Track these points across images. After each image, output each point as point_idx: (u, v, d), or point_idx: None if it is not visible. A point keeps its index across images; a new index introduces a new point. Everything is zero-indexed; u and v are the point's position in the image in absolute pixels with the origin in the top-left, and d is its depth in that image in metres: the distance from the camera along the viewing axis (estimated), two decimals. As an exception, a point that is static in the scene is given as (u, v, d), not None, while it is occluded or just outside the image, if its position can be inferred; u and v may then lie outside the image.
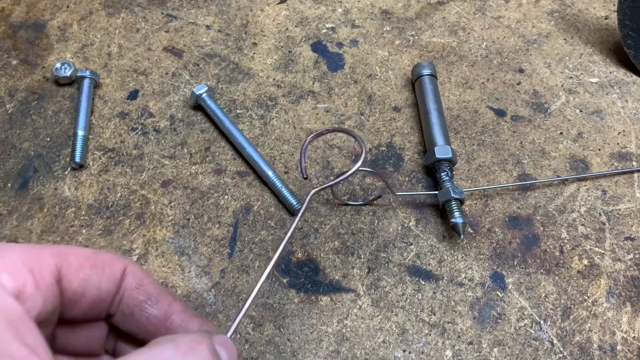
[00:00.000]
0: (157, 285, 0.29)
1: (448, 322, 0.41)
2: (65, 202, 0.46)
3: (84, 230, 0.45)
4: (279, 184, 0.46)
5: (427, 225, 0.45)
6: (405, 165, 0.48)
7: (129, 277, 0.28)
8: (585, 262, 0.43)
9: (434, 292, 0.42)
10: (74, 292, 0.26)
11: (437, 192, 0.45)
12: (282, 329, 0.41)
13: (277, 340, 0.40)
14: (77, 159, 0.48)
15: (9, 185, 0.47)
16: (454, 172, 0.47)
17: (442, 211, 0.46)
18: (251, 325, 0.41)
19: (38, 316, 0.23)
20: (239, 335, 0.40)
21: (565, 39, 0.57)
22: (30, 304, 0.23)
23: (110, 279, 0.27)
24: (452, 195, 0.43)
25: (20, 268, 0.23)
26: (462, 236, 0.43)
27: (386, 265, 0.43)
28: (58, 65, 0.52)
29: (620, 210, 0.46)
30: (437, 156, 0.46)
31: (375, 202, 0.46)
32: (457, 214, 0.43)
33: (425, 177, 0.48)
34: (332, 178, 0.47)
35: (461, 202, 0.44)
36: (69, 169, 0.48)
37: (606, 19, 0.58)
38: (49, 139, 0.50)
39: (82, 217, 0.45)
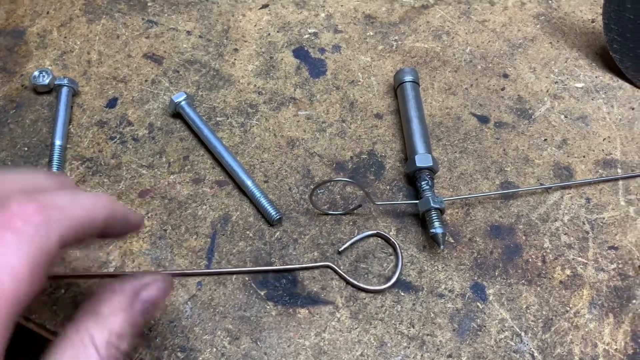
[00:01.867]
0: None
1: (427, 335, 0.40)
2: (41, 213, 0.46)
3: (59, 242, 0.44)
4: (257, 194, 0.45)
5: (408, 234, 0.45)
6: (386, 174, 0.48)
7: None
8: (567, 272, 0.43)
9: (414, 304, 0.42)
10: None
11: (417, 201, 0.44)
12: (258, 343, 0.40)
13: (254, 354, 0.39)
14: (55, 169, 0.47)
15: (-15, 196, 0.46)
16: (435, 181, 0.47)
17: (422, 220, 0.45)
18: (227, 338, 0.40)
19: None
20: (215, 349, 0.40)
21: (551, 42, 0.56)
22: None
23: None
24: (432, 205, 0.43)
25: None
26: (442, 246, 0.42)
27: (365, 276, 0.43)
28: (36, 73, 0.52)
29: (604, 218, 0.45)
30: (417, 165, 0.45)
31: (355, 211, 0.46)
32: (437, 223, 0.42)
33: (407, 186, 0.47)
34: (311, 187, 0.47)
35: (441, 211, 0.43)
36: (45, 179, 0.47)
37: (593, 22, 0.58)
38: (26, 149, 0.49)
39: (58, 229, 0.45)
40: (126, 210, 0.33)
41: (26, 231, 0.24)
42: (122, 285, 0.31)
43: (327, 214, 0.46)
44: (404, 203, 0.46)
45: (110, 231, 0.31)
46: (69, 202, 0.28)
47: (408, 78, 0.50)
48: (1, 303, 0.23)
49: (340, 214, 0.45)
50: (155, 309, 0.32)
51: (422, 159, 0.45)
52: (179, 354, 0.40)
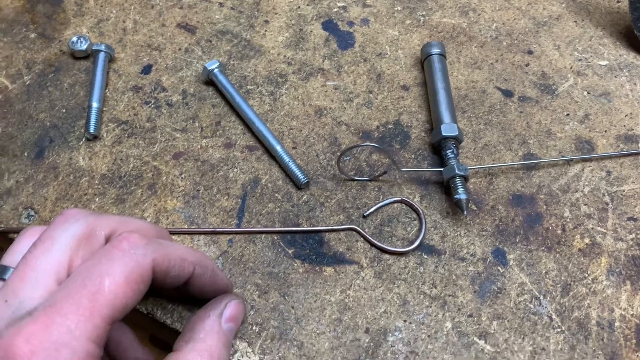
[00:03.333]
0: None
1: (449, 295, 0.42)
2: (79, 172, 0.48)
3: (97, 199, 0.46)
4: (286, 159, 0.47)
5: (432, 201, 0.46)
6: (411, 143, 0.49)
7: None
8: (587, 240, 0.44)
9: (436, 266, 0.43)
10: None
11: (442, 169, 0.46)
12: (286, 297, 0.42)
13: (282, 308, 0.41)
14: (92, 130, 0.49)
15: (26, 154, 0.49)
16: (459, 151, 0.48)
17: (446, 188, 0.46)
18: (257, 292, 0.42)
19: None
20: (245, 302, 0.41)
21: (575, 21, 0.57)
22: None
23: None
24: (457, 171, 0.44)
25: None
26: (465, 212, 0.43)
27: (389, 239, 0.44)
28: (74, 39, 0.54)
29: (624, 191, 0.46)
30: (443, 134, 0.46)
31: (380, 178, 0.47)
32: (461, 190, 0.44)
33: (431, 155, 0.48)
34: (338, 153, 0.48)
35: (465, 179, 0.45)
36: (83, 140, 0.49)
37: (618, 2, 0.58)
38: (64, 111, 0.51)
39: (96, 186, 0.47)
40: (218, 269, 0.38)
41: (127, 251, 0.30)
42: (207, 310, 0.36)
43: (353, 180, 0.47)
44: (429, 170, 0.47)
45: (199, 281, 0.36)
46: (166, 242, 0.34)
47: (435, 51, 0.51)
48: (101, 301, 0.28)
49: (366, 180, 0.47)
50: (238, 325, 0.37)
51: (448, 128, 0.46)
52: (210, 305, 0.41)
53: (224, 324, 0.36)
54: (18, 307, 0.29)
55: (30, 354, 0.27)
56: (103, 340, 0.29)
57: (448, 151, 0.46)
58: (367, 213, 0.45)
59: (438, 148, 0.48)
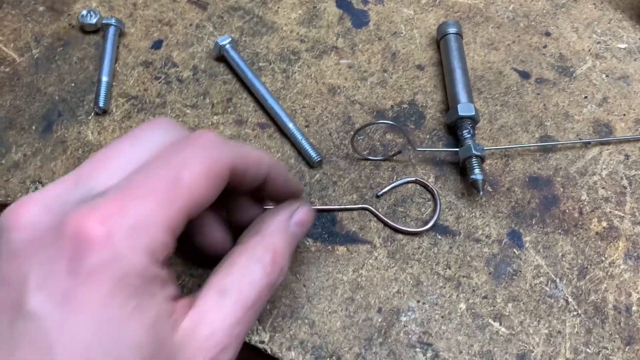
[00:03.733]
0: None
1: (463, 277, 0.41)
2: (88, 146, 0.47)
3: (106, 173, 0.45)
4: (299, 137, 0.46)
5: (447, 182, 0.45)
6: (426, 123, 0.48)
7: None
8: (604, 224, 0.43)
9: (450, 247, 0.42)
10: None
11: (457, 149, 0.45)
12: (298, 275, 0.41)
13: (293, 286, 0.41)
14: (101, 104, 0.48)
15: (34, 127, 0.48)
16: (476, 132, 0.47)
17: (461, 169, 0.45)
18: (268, 270, 0.41)
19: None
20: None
21: (594, 3, 0.56)
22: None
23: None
24: (474, 152, 0.43)
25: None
26: (481, 193, 0.43)
27: (403, 219, 0.44)
28: (84, 12, 0.53)
29: (642, 175, 0.45)
30: (460, 113, 0.45)
31: (394, 157, 0.46)
32: (477, 170, 0.43)
33: (447, 135, 0.48)
34: (352, 132, 0.47)
35: (482, 159, 0.44)
36: (92, 114, 0.48)
37: (638, -15, 0.57)
38: (73, 85, 0.50)
39: (105, 161, 0.46)
40: (290, 174, 0.36)
41: (206, 146, 0.29)
42: (278, 210, 0.35)
43: (367, 159, 0.46)
44: (445, 150, 0.46)
45: (272, 185, 0.34)
46: (243, 144, 0.33)
47: (452, 30, 0.50)
48: (179, 192, 0.27)
49: (380, 160, 0.46)
50: (304, 231, 0.36)
51: (464, 108, 0.45)
52: (221, 282, 0.41)
53: (292, 226, 0.35)
54: (89, 191, 0.27)
55: (107, 236, 0.24)
56: (178, 234, 0.27)
57: (464, 131, 0.45)
58: (381, 193, 0.44)
59: (454, 128, 0.47)
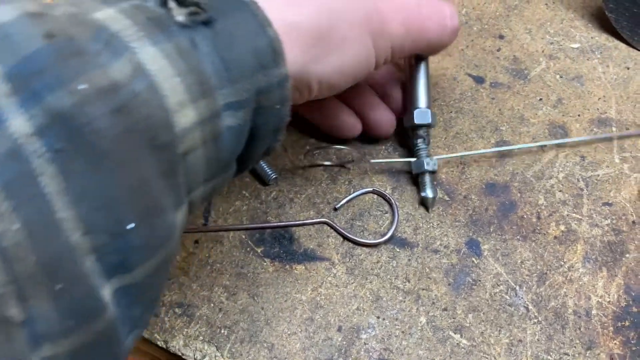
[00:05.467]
0: None
1: (422, 289, 0.41)
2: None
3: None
4: (254, 154, 0.45)
5: (403, 193, 0.45)
6: (382, 134, 0.48)
7: None
8: (562, 228, 0.43)
9: (409, 260, 0.42)
10: None
11: (412, 159, 0.44)
12: (255, 298, 0.40)
13: (251, 309, 0.40)
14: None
15: None
16: (431, 139, 0.46)
17: (415, 179, 0.45)
18: (225, 294, 0.40)
19: None
20: (212, 304, 0.40)
21: (546, 4, 0.56)
22: None
23: None
24: (425, 168, 0.43)
25: None
26: (429, 210, 0.43)
27: (361, 233, 0.43)
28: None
29: (598, 176, 0.45)
30: (415, 122, 0.44)
31: (351, 170, 0.46)
32: (428, 188, 0.43)
33: (402, 146, 0.47)
34: (307, 148, 0.47)
35: (433, 173, 0.44)
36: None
37: (589, -17, 0.57)
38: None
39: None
40: None
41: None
42: None
43: (320, 165, 0.46)
44: (400, 161, 0.46)
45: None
46: None
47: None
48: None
49: (334, 165, 0.46)
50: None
51: (420, 116, 0.44)
52: (176, 309, 0.40)
53: None
54: None
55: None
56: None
57: (419, 140, 0.44)
58: (339, 205, 0.44)
59: (409, 134, 0.46)
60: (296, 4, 0.31)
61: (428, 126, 0.45)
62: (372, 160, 0.45)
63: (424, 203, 0.43)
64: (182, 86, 0.24)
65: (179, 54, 0.25)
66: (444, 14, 0.38)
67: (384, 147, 0.47)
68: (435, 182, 0.45)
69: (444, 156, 0.45)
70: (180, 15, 0.26)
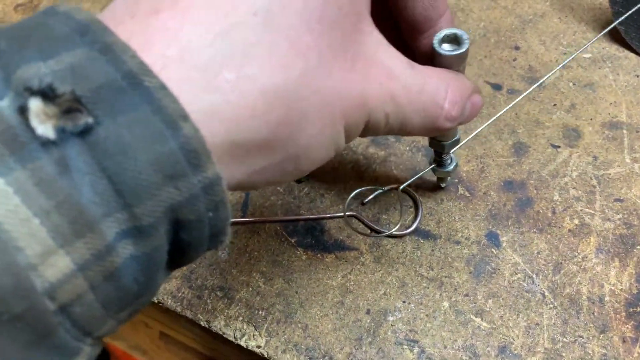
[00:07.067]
0: None
1: (445, 277, 0.44)
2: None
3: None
4: (287, 154, 0.49)
5: (426, 191, 0.48)
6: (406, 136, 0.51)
7: None
8: (576, 221, 0.46)
9: (432, 250, 0.45)
10: None
11: (433, 167, 0.47)
12: (290, 283, 0.44)
13: (286, 293, 0.43)
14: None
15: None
16: (452, 141, 0.50)
17: (439, 178, 0.48)
18: (262, 279, 0.44)
19: None
20: (251, 288, 0.43)
21: (559, 17, 0.59)
22: None
23: None
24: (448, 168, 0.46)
25: None
26: (442, 185, 0.47)
27: (387, 226, 0.46)
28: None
29: (610, 174, 0.48)
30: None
31: (377, 169, 0.49)
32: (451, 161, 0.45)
33: (426, 146, 0.51)
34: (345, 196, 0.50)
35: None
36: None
37: (600, -2, 0.61)
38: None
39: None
40: None
41: None
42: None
43: (369, 235, 0.47)
44: (423, 173, 0.47)
45: None
46: None
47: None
48: None
49: (382, 236, 0.47)
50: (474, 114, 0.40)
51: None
52: (218, 292, 0.43)
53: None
54: None
55: None
56: None
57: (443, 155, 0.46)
58: (366, 200, 0.47)
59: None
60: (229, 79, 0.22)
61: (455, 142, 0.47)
62: (401, 187, 0.46)
63: (440, 182, 0.47)
64: (43, 230, 0.18)
65: (38, 184, 0.18)
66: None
67: (407, 148, 0.51)
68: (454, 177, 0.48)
69: (464, 156, 0.48)
70: (43, 125, 0.19)
